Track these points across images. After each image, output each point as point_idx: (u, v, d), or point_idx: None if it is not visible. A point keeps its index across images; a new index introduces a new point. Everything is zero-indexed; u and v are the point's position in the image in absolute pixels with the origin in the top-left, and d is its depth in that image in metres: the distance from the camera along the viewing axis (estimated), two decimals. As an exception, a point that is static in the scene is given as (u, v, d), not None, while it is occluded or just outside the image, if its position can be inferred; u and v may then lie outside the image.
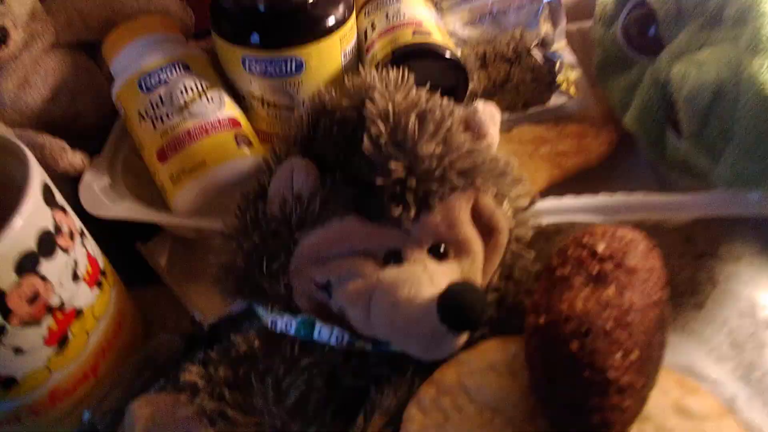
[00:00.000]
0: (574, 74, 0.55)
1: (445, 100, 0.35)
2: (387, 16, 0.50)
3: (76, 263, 0.38)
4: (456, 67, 0.48)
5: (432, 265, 0.33)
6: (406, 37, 0.47)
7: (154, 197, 0.48)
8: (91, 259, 0.40)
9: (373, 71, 0.35)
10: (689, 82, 0.41)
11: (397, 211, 0.32)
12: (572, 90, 0.54)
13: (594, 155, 0.51)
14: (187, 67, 0.48)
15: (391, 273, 0.32)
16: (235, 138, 0.46)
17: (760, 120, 0.39)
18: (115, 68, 0.49)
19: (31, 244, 0.35)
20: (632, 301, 0.30)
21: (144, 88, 0.46)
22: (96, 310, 0.41)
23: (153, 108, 0.46)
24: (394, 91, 0.33)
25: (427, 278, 0.32)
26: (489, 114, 0.37)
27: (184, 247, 0.51)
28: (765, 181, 0.41)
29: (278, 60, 0.46)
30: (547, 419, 0.31)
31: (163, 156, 0.46)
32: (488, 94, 0.52)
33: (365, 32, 0.50)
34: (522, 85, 0.53)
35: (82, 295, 0.39)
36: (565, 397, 0.29)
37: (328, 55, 0.47)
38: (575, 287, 0.32)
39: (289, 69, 0.46)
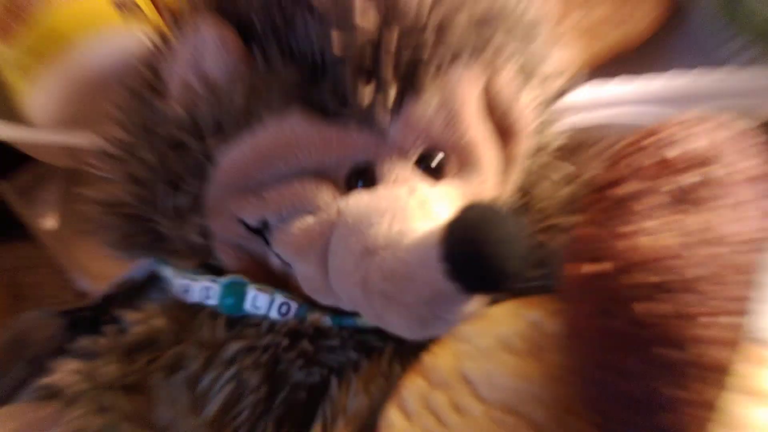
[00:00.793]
0: None
1: None
2: None
3: None
4: None
5: (422, 185, 0.25)
6: None
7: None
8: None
9: None
10: None
11: (366, 95, 0.24)
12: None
13: (638, 28, 0.41)
14: None
15: (359, 201, 0.25)
16: (115, 1, 0.35)
17: None
18: None
19: None
20: (733, 234, 0.23)
21: None
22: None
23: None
24: None
25: (417, 206, 0.24)
26: None
27: (63, 180, 0.41)
28: None
29: None
30: (595, 420, 0.24)
31: (5, 31, 0.35)
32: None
33: None
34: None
35: None
36: (630, 386, 0.23)
37: None
38: (642, 215, 0.24)
39: None
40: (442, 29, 0.24)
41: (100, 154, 0.28)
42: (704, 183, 0.24)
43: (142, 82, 0.27)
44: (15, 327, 0.31)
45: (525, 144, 0.28)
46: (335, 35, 0.24)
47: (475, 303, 0.23)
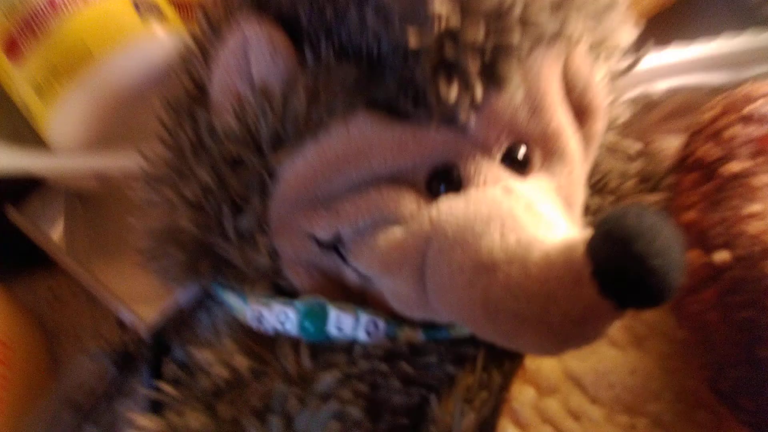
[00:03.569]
0: None
1: None
2: None
3: None
4: None
5: (516, 184, 0.23)
6: None
7: (18, 127, 0.34)
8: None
9: None
10: None
11: (452, 92, 0.21)
12: None
13: None
14: None
15: (454, 209, 0.22)
16: (135, 5, 0.32)
17: None
18: None
19: None
20: None
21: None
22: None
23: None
24: None
25: (524, 209, 0.21)
26: None
27: (85, 205, 0.37)
28: None
29: None
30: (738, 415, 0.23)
31: (14, 50, 0.31)
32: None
33: None
34: None
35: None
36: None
37: None
38: (763, 192, 0.22)
39: None
40: (524, 14, 0.22)
41: (145, 178, 0.25)
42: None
43: (183, 94, 0.24)
44: (63, 381, 0.29)
45: (601, 124, 0.26)
46: (410, 28, 0.21)
47: (617, 319, 0.20)
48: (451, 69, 0.21)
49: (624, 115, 0.28)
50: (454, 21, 0.20)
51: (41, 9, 0.31)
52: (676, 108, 0.30)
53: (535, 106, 0.23)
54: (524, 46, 0.22)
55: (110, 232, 0.37)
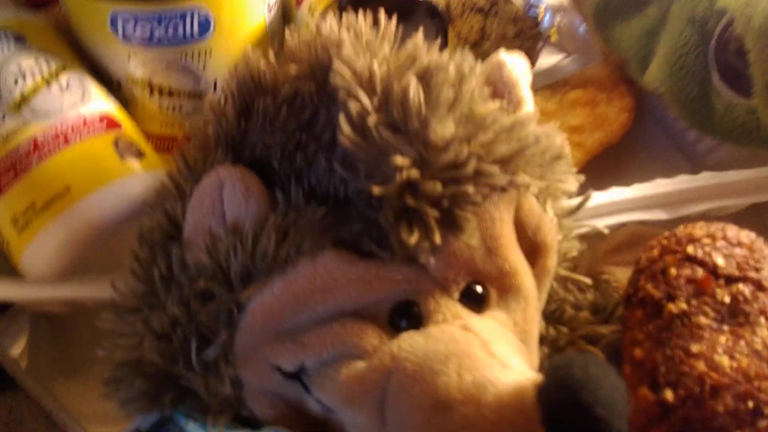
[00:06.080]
0: (563, 19, 0.46)
1: (457, 52, 0.26)
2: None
3: None
4: (430, 13, 0.37)
5: (476, 320, 0.24)
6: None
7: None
8: None
9: (333, 19, 0.26)
10: (763, 7, 0.32)
11: (413, 238, 0.23)
12: (563, 41, 0.46)
13: (615, 127, 0.43)
14: (21, 40, 0.35)
15: (413, 345, 0.23)
16: (115, 145, 0.34)
17: None
18: None
19: None
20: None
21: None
22: None
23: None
24: (375, 43, 0.25)
25: (480, 348, 0.22)
26: (519, 69, 0.28)
27: (50, 324, 0.37)
28: None
29: (170, 14, 0.34)
30: None
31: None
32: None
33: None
34: (503, 41, 0.43)
35: None
36: None
37: (245, 6, 0.36)
38: (706, 332, 0.24)
39: (188, 30, 0.35)
40: (478, 168, 0.23)
41: (115, 309, 0.25)
42: (760, 289, 0.24)
43: (157, 228, 0.25)
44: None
45: (555, 257, 0.27)
46: (374, 187, 0.22)
47: None
48: (411, 216, 0.23)
49: (574, 249, 0.30)
50: (414, 174, 0.22)
51: (24, 148, 0.33)
52: (623, 241, 0.32)
53: (491, 247, 0.24)
54: (478, 196, 0.24)
55: (73, 353, 0.36)
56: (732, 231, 0.26)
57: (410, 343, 0.23)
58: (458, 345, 0.22)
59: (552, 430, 0.19)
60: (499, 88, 0.27)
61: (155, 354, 0.24)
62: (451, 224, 0.23)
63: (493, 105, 0.25)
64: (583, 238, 0.31)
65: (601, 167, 0.42)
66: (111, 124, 0.35)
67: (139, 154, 0.35)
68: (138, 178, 0.34)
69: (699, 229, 0.27)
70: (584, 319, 0.29)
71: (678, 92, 0.40)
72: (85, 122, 0.34)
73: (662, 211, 0.33)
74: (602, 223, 0.32)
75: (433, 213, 0.23)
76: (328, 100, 0.24)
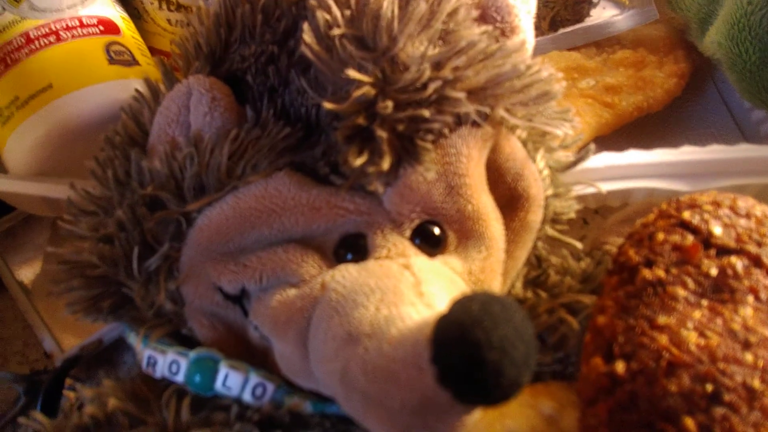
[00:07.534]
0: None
1: None
2: None
3: None
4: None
5: (418, 260, 0.22)
6: None
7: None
8: None
9: None
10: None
11: (359, 160, 0.21)
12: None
13: (658, 93, 0.38)
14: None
15: (346, 276, 0.22)
16: (106, 50, 0.34)
17: None
18: None
19: None
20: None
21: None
22: None
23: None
24: None
25: (411, 286, 0.21)
26: None
27: (30, 231, 0.37)
28: None
29: None
30: None
31: None
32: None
33: None
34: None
35: None
36: None
37: None
38: (680, 305, 0.21)
39: None
40: (443, 94, 0.22)
41: (74, 210, 0.25)
42: (756, 265, 0.21)
43: (125, 134, 0.25)
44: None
45: (538, 212, 0.25)
46: (327, 102, 0.21)
47: (474, 414, 0.19)
48: (364, 137, 0.21)
49: (571, 211, 0.27)
50: (369, 91, 0.21)
51: (16, 42, 0.33)
52: (636, 212, 0.29)
53: (453, 184, 0.23)
54: (439, 124, 0.22)
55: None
56: (745, 201, 0.23)
57: (343, 273, 0.21)
58: (388, 281, 0.20)
59: (440, 369, 0.17)
60: (490, 11, 0.25)
61: (100, 257, 0.23)
62: (407, 152, 0.22)
63: (478, 29, 0.23)
64: (583, 200, 0.28)
65: (646, 133, 0.38)
66: (109, 30, 0.35)
67: (131, 63, 0.35)
68: (123, 84, 0.33)
69: (706, 196, 0.23)
70: (568, 285, 0.26)
71: (736, 57, 0.36)
72: (81, 23, 0.34)
73: (683, 181, 0.30)
74: (610, 187, 0.29)
75: (384, 135, 0.21)
76: (309, 15, 0.23)
